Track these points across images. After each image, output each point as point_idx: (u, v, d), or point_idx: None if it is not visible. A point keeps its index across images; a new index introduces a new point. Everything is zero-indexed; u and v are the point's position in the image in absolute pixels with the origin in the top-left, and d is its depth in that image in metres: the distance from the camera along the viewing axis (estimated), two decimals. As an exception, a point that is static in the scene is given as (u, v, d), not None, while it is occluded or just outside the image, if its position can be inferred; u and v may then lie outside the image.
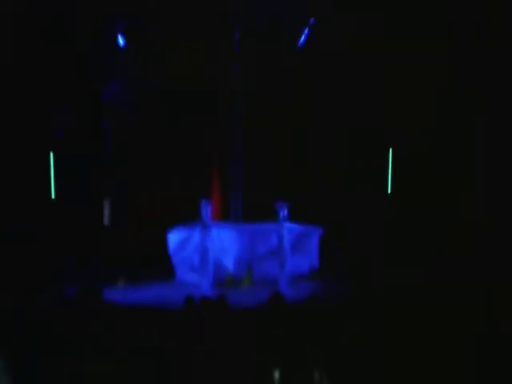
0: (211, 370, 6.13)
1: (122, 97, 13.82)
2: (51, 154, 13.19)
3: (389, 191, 13.85)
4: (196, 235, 11.42)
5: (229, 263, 11.65)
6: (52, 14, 12.73)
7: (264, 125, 13.52)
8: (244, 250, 11.73)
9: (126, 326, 6.66)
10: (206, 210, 11.22)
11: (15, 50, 12.43)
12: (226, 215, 12.59)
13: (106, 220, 13.95)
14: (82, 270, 11.73)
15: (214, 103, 13.49)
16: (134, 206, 13.95)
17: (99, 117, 13.77)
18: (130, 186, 13.96)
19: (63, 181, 13.31)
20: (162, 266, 11.88)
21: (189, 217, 11.43)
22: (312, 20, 13.16)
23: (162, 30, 13.08)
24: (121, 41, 13.26)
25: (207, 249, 11.21)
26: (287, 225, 11.47)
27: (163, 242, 11.89)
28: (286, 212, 11.37)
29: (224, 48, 13.17)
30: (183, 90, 13.50)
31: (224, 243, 11.64)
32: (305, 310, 6.96)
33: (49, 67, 12.79)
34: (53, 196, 13.30)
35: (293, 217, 11.44)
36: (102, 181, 13.83)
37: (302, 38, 13.41)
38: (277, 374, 6.27)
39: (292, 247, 11.53)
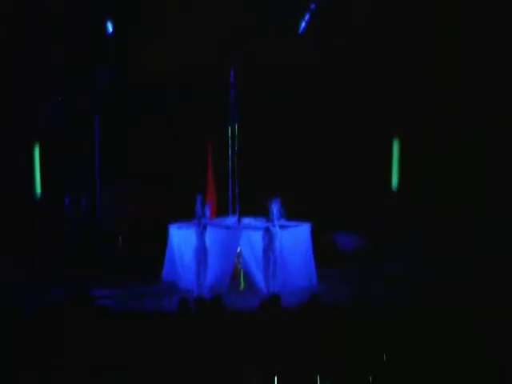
0: (208, 371, 6.00)
1: (119, 95, 13.85)
2: (37, 149, 13.14)
3: (394, 186, 13.97)
4: (191, 233, 11.10)
5: (218, 264, 11.19)
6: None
7: (263, 121, 13.47)
8: (233, 251, 11.31)
9: (118, 330, 6.45)
10: (203, 207, 10.96)
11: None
12: (224, 213, 12.29)
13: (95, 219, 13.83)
14: (70, 272, 11.50)
15: (212, 100, 13.32)
16: (127, 204, 13.85)
17: (92, 113, 13.74)
18: (124, 184, 13.93)
19: (50, 177, 13.23)
20: (153, 267, 11.63)
21: (186, 216, 11.26)
22: (313, 6, 13.12)
23: (160, 26, 13.11)
24: (110, 28, 13.17)
25: (200, 248, 10.88)
26: (279, 223, 11.03)
27: (156, 243, 11.70)
28: (279, 208, 10.92)
29: (223, 45, 13.11)
30: (181, 87, 13.60)
31: (213, 243, 11.17)
32: (303, 312, 6.75)
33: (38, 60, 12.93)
34: (38, 193, 13.13)
35: (290, 215, 11.20)
36: (91, 178, 13.72)
37: (303, 24, 13.35)
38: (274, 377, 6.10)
39: (284, 248, 11.09)
